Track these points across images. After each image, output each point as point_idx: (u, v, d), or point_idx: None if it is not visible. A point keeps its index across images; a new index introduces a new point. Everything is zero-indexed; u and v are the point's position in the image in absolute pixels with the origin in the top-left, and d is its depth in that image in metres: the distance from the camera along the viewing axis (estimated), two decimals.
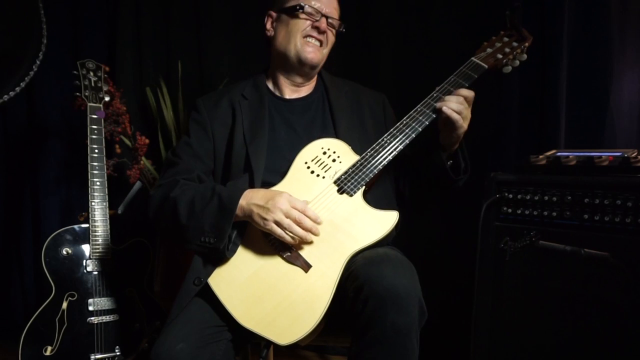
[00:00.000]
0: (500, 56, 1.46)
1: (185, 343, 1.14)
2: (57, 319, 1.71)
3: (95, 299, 1.77)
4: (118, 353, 1.78)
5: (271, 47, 1.55)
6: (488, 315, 1.48)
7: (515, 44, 1.48)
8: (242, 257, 1.29)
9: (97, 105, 1.89)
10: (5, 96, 1.86)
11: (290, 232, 1.23)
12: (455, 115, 1.30)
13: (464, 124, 1.33)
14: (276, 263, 1.26)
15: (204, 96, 1.58)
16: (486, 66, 1.44)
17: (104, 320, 1.77)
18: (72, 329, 1.73)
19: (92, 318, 1.75)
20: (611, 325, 1.24)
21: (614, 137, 1.83)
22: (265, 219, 1.24)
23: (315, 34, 1.48)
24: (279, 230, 1.23)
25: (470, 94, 1.34)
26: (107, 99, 1.92)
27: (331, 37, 1.53)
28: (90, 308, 1.76)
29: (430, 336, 1.36)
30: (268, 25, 1.55)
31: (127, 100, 2.22)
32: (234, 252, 1.29)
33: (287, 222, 1.23)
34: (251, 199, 1.27)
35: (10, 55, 1.90)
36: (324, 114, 1.53)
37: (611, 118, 1.84)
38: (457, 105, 1.31)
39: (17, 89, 1.88)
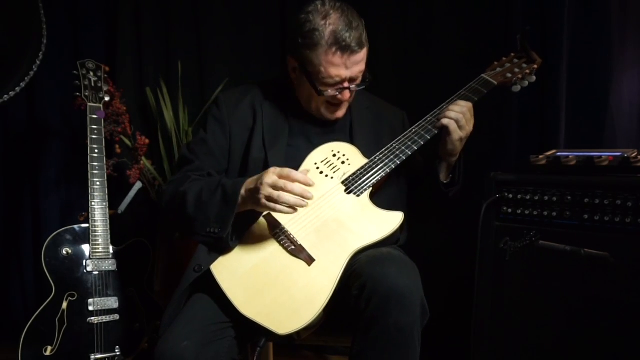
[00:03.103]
0: (509, 75, 1.52)
1: (190, 341, 1.15)
2: (57, 319, 1.71)
3: (95, 299, 1.77)
4: (118, 353, 1.78)
5: None
6: (488, 315, 1.48)
7: (524, 65, 1.54)
8: (247, 248, 1.31)
9: (97, 105, 1.88)
10: (5, 96, 1.86)
11: (283, 202, 1.21)
12: (451, 123, 1.35)
13: (460, 132, 1.36)
14: (280, 255, 1.27)
15: (227, 92, 1.56)
16: (495, 82, 1.49)
17: (104, 320, 1.77)
18: (72, 329, 1.72)
19: (92, 318, 1.75)
20: (611, 325, 1.24)
21: (614, 137, 1.83)
22: (258, 199, 1.23)
23: (338, 102, 1.42)
24: (272, 205, 1.22)
25: (468, 104, 1.38)
26: (107, 99, 1.92)
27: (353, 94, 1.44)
28: (90, 308, 1.76)
29: (431, 335, 1.36)
30: (290, 69, 1.45)
31: (127, 100, 2.22)
32: (238, 242, 1.30)
33: (276, 193, 1.20)
34: (247, 185, 1.27)
35: (10, 55, 1.90)
36: (343, 130, 1.51)
37: (611, 118, 1.84)
38: (455, 114, 1.35)
39: (17, 89, 1.88)
